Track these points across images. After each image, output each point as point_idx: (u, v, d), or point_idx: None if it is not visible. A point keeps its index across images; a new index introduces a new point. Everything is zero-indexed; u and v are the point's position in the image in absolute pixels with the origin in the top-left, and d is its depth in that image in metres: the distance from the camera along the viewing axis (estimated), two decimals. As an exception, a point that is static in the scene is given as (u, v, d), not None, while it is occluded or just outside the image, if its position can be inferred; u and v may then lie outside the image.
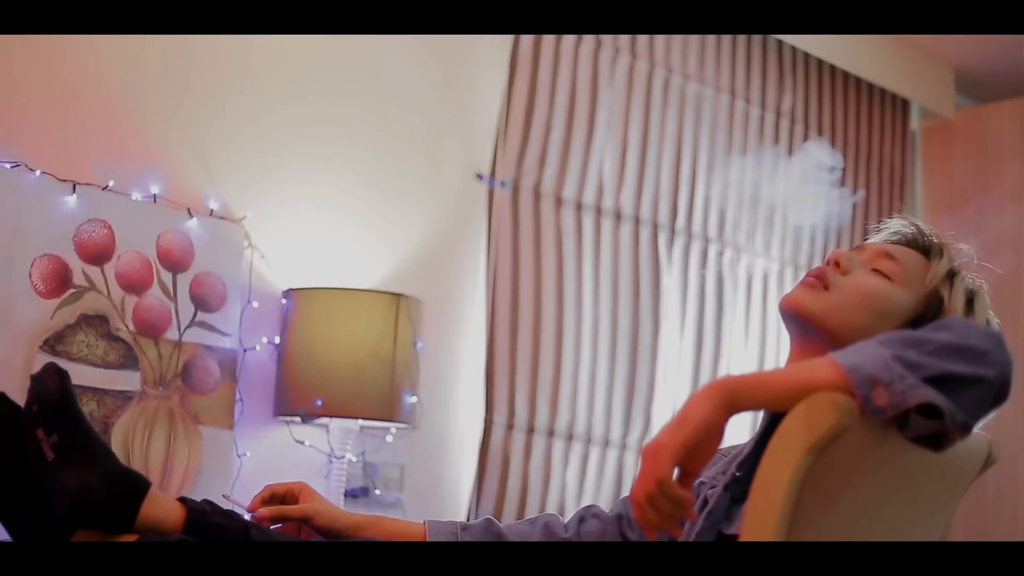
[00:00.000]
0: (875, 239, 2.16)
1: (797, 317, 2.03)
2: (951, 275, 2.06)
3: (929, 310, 2.02)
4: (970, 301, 2.05)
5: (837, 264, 2.04)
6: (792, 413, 1.62)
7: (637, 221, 4.32)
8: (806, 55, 4.91)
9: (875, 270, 2.04)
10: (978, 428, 1.73)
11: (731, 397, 1.65)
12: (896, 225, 2.15)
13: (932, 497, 1.86)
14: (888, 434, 1.66)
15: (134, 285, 3.24)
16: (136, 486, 2.04)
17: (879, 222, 2.21)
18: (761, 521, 1.59)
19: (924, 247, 2.10)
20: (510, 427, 3.92)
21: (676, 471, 1.64)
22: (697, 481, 2.05)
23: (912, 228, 2.13)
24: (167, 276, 3.30)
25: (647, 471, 1.63)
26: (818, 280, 2.02)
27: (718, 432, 1.65)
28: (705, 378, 4.44)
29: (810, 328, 2.01)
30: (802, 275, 2.08)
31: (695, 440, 1.63)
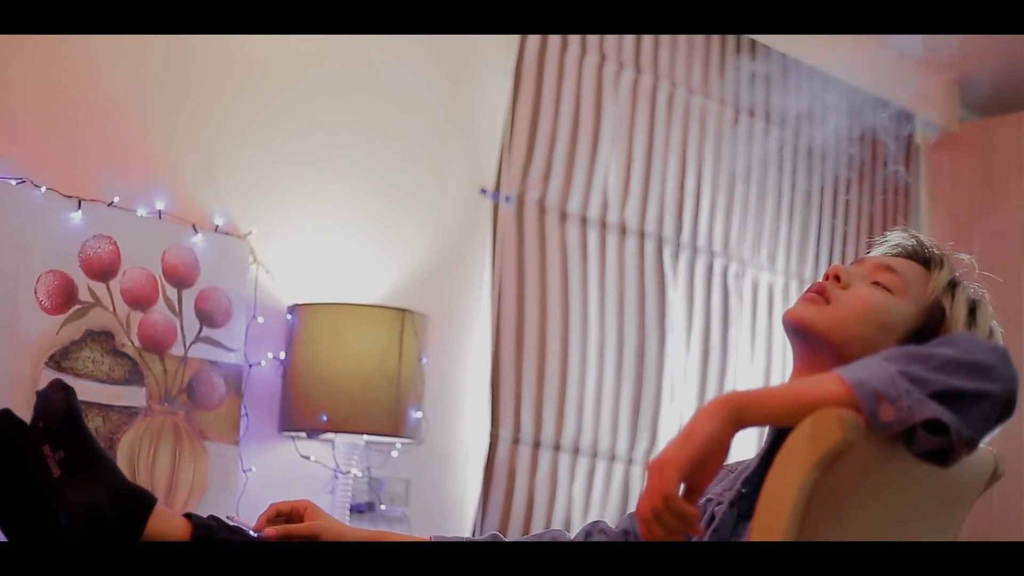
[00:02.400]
0: (875, 252, 2.16)
1: (800, 331, 2.03)
2: (952, 286, 2.06)
3: (931, 321, 2.02)
4: (972, 311, 2.05)
5: (837, 278, 2.04)
6: (798, 429, 1.61)
7: (642, 235, 4.32)
8: (811, 69, 4.91)
9: (876, 283, 2.05)
10: (984, 442, 1.73)
11: (737, 412, 1.65)
12: (896, 237, 2.15)
13: (939, 512, 1.86)
14: (894, 450, 1.65)
15: (139, 301, 3.25)
16: (142, 502, 2.04)
17: (883, 235, 2.21)
18: (768, 536, 1.59)
19: (924, 259, 2.10)
20: (516, 441, 3.92)
21: (682, 487, 1.64)
22: (704, 498, 2.05)
23: (912, 240, 2.13)
24: (172, 292, 3.30)
25: (653, 487, 1.62)
26: (819, 294, 2.03)
27: (724, 448, 1.65)
28: (711, 392, 4.44)
29: (813, 342, 2.01)
30: (806, 289, 2.08)
31: (701, 456, 1.63)
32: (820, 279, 2.08)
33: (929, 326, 2.01)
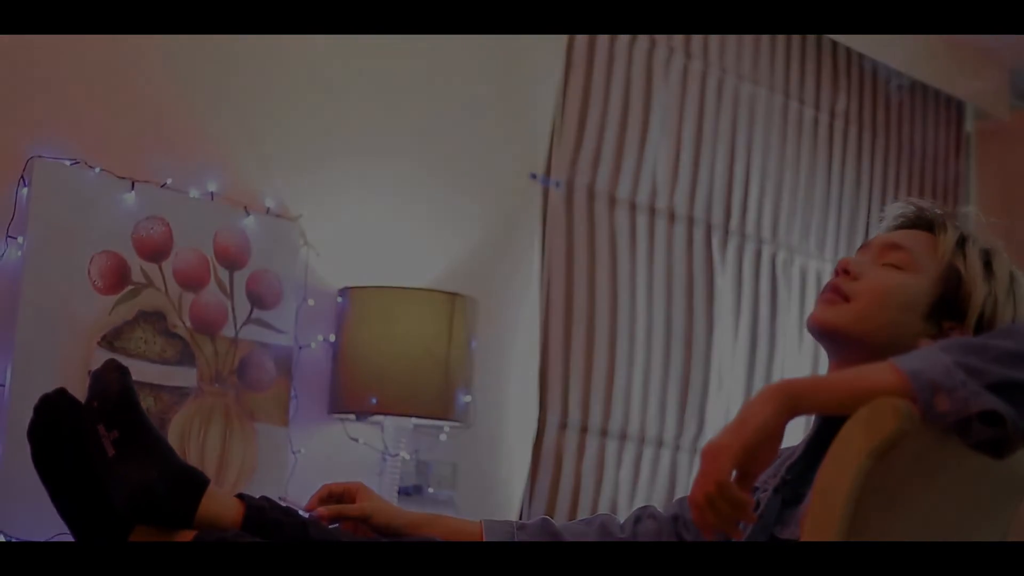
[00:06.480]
0: (877, 231, 2.16)
1: (825, 334, 2.04)
2: (961, 243, 2.06)
3: (949, 285, 2.02)
4: (988, 264, 2.05)
5: (847, 272, 2.05)
6: (853, 417, 1.61)
7: (691, 221, 4.32)
8: (860, 56, 4.88)
9: (885, 264, 2.05)
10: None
11: (792, 400, 1.65)
12: (896, 210, 2.16)
13: (992, 502, 1.85)
14: (948, 440, 1.65)
15: (191, 282, 3.26)
16: (195, 482, 2.06)
17: (881, 211, 2.21)
18: (822, 525, 1.59)
19: (928, 223, 2.10)
20: (563, 426, 3.92)
21: (734, 473, 1.64)
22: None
23: (911, 207, 2.13)
24: (224, 273, 3.32)
25: (706, 473, 1.63)
26: (835, 293, 2.03)
27: (778, 435, 1.65)
28: (759, 379, 4.43)
29: (841, 341, 2.02)
30: (821, 290, 2.08)
31: (755, 443, 1.63)
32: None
33: (949, 290, 2.02)
